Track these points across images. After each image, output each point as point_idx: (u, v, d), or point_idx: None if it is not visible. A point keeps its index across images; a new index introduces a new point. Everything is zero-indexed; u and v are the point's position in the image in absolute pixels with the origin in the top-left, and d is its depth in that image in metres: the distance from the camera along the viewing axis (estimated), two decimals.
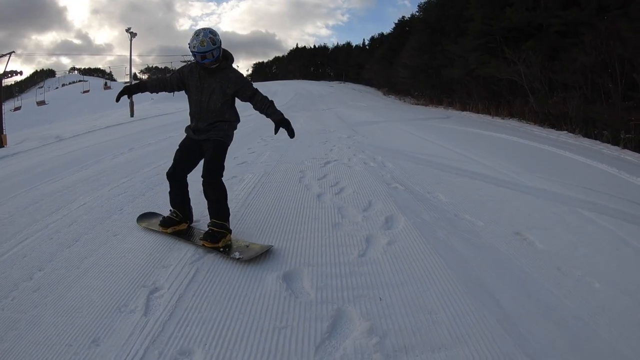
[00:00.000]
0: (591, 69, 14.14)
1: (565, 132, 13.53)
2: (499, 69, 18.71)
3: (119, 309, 2.49)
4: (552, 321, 2.25)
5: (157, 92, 3.84)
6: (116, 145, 10.27)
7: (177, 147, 3.68)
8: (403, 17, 47.70)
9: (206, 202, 3.49)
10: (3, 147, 18.49)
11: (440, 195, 4.53)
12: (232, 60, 3.61)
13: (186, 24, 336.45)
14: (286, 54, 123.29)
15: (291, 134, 3.53)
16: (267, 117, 3.56)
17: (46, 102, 51.12)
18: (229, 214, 3.48)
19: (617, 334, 2.20)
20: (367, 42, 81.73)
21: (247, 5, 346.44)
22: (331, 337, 2.13)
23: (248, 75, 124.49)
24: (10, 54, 23.75)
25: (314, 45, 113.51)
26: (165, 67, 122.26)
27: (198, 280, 2.82)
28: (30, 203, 5.00)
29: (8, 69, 23.67)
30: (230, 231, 3.41)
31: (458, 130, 12.34)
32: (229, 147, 3.59)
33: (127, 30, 31.69)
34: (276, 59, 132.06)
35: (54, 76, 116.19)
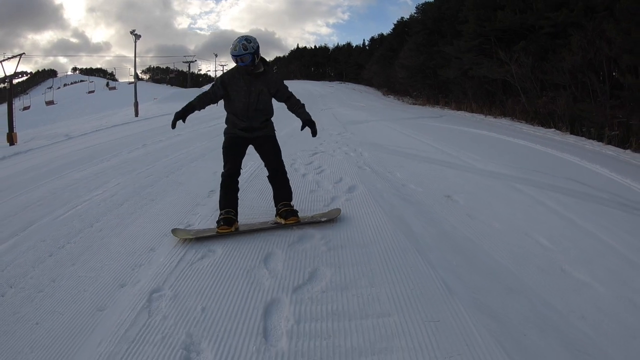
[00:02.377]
0: (579, 69, 14.80)
1: (553, 129, 14.33)
2: (492, 69, 19.52)
3: (165, 234, 4.03)
4: (447, 239, 3.62)
5: (203, 108, 4.20)
6: (129, 142, 11.75)
7: (226, 150, 4.14)
8: (402, 17, 48.41)
9: (273, 189, 4.24)
10: (14, 144, 19.90)
11: (397, 174, 5.94)
12: (269, 65, 4.22)
13: (185, 23, 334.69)
14: (287, 53, 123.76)
15: (314, 133, 4.13)
16: (297, 116, 4.12)
17: (55, 102, 52.30)
18: None
19: (500, 252, 3.38)
20: (367, 43, 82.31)
21: (246, 3, 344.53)
22: (300, 242, 3.64)
23: None
24: (20, 55, 25.11)
25: (315, 46, 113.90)
26: (167, 68, 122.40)
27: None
28: (66, 185, 6.59)
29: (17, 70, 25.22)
30: None
31: (443, 127, 13.58)
32: None
33: (132, 32, 32.84)
34: (277, 58, 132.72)
35: (56, 76, 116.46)
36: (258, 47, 3.86)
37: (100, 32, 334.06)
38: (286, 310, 2.63)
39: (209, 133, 12.89)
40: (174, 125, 4.06)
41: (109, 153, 10.07)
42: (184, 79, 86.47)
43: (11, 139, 21.28)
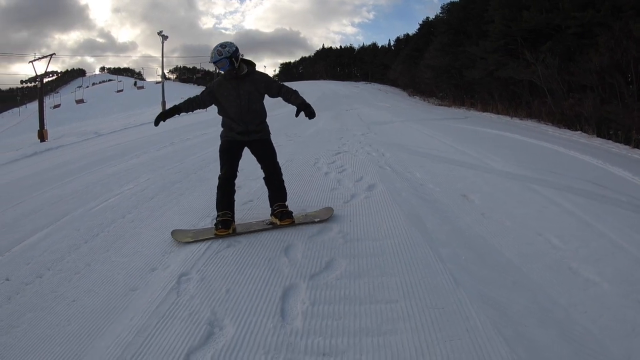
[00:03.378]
0: (606, 70, 14.72)
1: (579, 132, 14.20)
2: (517, 70, 19.42)
3: (195, 225, 4.40)
4: (460, 236, 3.79)
5: (191, 111, 4.36)
6: (157, 140, 12.20)
7: (222, 153, 4.24)
8: (427, 17, 48.17)
9: (269, 191, 4.34)
10: (44, 141, 20.63)
11: (417, 174, 6.11)
12: (255, 66, 4.23)
13: (209, 23, 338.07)
14: (312, 53, 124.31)
15: (310, 115, 4.09)
16: (292, 103, 4.15)
17: (85, 101, 53.65)
18: None
19: (510, 249, 3.50)
20: (392, 43, 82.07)
21: (271, 3, 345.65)
22: (319, 235, 3.88)
23: (275, 75, 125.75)
24: (51, 55, 25.96)
25: (340, 46, 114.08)
26: (194, 67, 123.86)
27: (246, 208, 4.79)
28: (97, 180, 7.02)
29: (47, 70, 26.07)
30: None
31: (467, 129, 13.60)
32: None
33: (159, 33, 33.57)
34: (303, 59, 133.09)
35: (85, 75, 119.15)
36: (235, 50, 3.95)
37: (126, 32, 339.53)
38: (302, 294, 2.87)
39: None
40: (156, 124, 4.28)
41: (138, 150, 10.53)
42: (211, 78, 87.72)
43: (42, 135, 22.17)
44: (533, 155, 8.44)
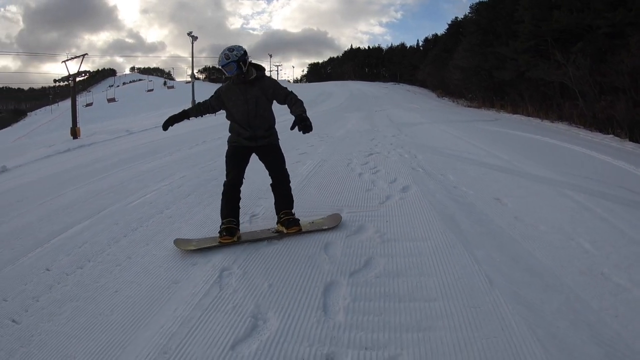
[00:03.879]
0: (638, 71, 14.42)
1: (611, 135, 13.86)
2: (548, 71, 18.94)
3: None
4: (493, 238, 3.84)
5: (201, 116, 4.37)
6: (189, 139, 12.48)
7: (228, 159, 4.15)
8: (456, 17, 47.52)
9: (275, 198, 4.21)
10: (77, 138, 21.23)
11: (450, 176, 6.16)
12: (264, 70, 4.09)
13: (237, 23, 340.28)
14: (340, 54, 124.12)
15: (305, 129, 3.77)
16: (291, 112, 3.87)
17: (116, 100, 54.68)
18: None
19: (543, 253, 3.52)
20: (421, 43, 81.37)
21: (298, 3, 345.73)
22: (357, 234, 3.99)
23: (303, 76, 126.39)
24: (84, 55, 26.58)
25: (368, 46, 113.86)
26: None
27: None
28: (133, 176, 7.33)
29: (80, 69, 26.74)
30: None
31: (497, 131, 13.46)
32: None
33: (189, 34, 34.05)
34: (331, 59, 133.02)
35: (115, 75, 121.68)
36: (243, 54, 3.84)
37: (154, 33, 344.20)
38: (343, 290, 2.98)
39: None
40: (165, 128, 4.27)
41: (171, 148, 10.80)
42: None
43: (75, 133, 22.83)
44: (565, 159, 8.36)
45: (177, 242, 4.05)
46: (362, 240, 3.86)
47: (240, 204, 4.12)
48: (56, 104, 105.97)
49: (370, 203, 4.96)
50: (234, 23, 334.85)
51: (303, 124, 3.74)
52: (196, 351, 2.47)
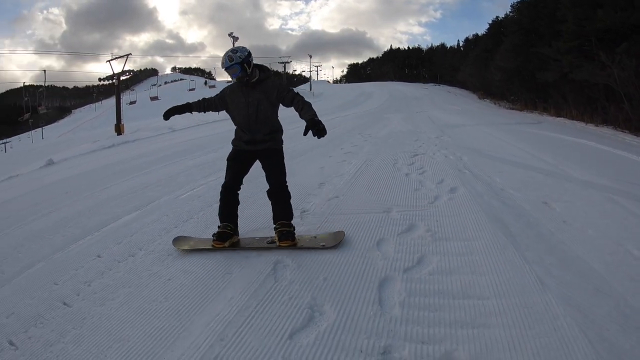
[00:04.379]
0: None
1: None
2: (592, 73, 18.36)
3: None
4: (542, 241, 3.82)
5: (203, 112, 4.19)
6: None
7: (228, 162, 4.04)
8: (497, 17, 46.50)
9: (272, 206, 3.94)
10: (121, 134, 21.96)
11: (496, 179, 6.11)
12: (269, 72, 3.87)
13: (276, 23, 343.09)
14: (380, 55, 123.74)
15: (319, 133, 3.56)
16: (300, 116, 3.69)
17: (159, 98, 55.90)
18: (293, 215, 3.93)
19: (592, 257, 3.46)
20: (461, 43, 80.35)
21: (336, 3, 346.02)
22: (408, 232, 4.05)
23: (342, 76, 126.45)
24: (127, 55, 27.46)
25: (408, 47, 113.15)
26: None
27: (333, 203, 4.98)
28: (180, 171, 7.61)
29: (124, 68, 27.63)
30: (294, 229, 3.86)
31: (541, 134, 13.26)
32: None
33: (230, 34, 34.43)
34: (370, 59, 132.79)
35: (157, 74, 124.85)
36: (247, 55, 3.68)
37: (194, 34, 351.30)
38: (398, 286, 3.04)
39: None
40: (166, 117, 4.14)
41: (215, 145, 11.05)
42: (279, 78, 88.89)
43: (119, 129, 23.64)
44: (611, 165, 8.17)
45: (176, 241, 4.06)
46: (414, 238, 3.91)
47: (238, 208, 4.03)
48: (100, 102, 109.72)
49: (420, 203, 5.00)
50: (273, 24, 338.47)
51: (316, 128, 3.54)
52: (253, 339, 2.52)
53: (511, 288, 2.95)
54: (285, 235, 3.74)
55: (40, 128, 64.40)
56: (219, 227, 3.91)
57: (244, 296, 3.02)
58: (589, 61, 18.96)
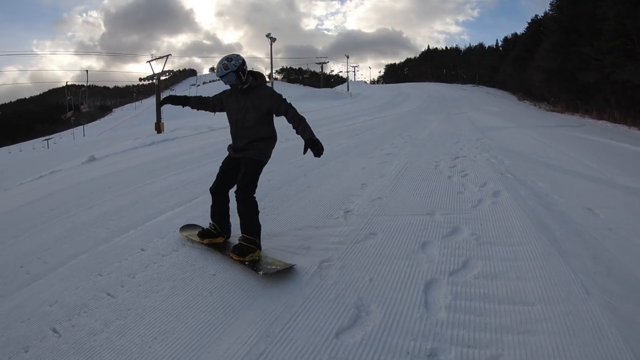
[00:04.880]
0: None
1: None
2: (636, 73, 17.85)
3: (330, 215, 4.74)
4: (587, 248, 3.75)
5: (197, 109, 4.17)
6: None
7: (220, 166, 4.03)
8: (536, 15, 45.25)
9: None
10: (161, 132, 22.50)
11: (539, 183, 6.00)
12: (262, 80, 3.82)
13: (312, 24, 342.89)
14: (417, 55, 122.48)
15: (317, 152, 3.61)
16: (297, 134, 3.70)
17: None
18: (259, 230, 3.72)
19: (638, 266, 3.40)
20: (500, 43, 78.61)
21: (372, 3, 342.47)
22: (452, 235, 4.05)
23: (380, 77, 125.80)
24: (167, 56, 28.05)
25: (446, 47, 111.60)
26: (300, 68, 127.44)
27: (377, 204, 4.96)
28: None
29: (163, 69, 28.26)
30: (259, 247, 3.65)
31: (583, 138, 12.95)
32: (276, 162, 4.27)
33: (267, 35, 34.81)
34: (408, 60, 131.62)
35: (196, 75, 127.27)
36: (242, 63, 3.66)
37: (230, 34, 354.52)
38: (444, 289, 3.06)
39: (348, 132, 13.60)
40: (161, 104, 4.24)
41: None
42: (317, 79, 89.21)
43: (159, 128, 24.26)
44: None
45: (183, 228, 4.33)
46: (458, 241, 3.90)
47: (229, 213, 4.01)
48: (139, 101, 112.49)
49: (463, 206, 4.96)
50: (309, 24, 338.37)
51: (315, 148, 3.59)
52: (300, 337, 2.57)
53: (556, 295, 2.93)
54: (238, 248, 3.61)
55: (82, 126, 66.77)
56: (209, 224, 4.01)
57: (291, 294, 3.07)
58: (632, 61, 18.38)
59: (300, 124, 3.65)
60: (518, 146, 10.04)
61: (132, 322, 2.87)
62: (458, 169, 6.99)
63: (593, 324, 2.59)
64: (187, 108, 4.25)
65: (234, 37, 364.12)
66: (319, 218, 4.68)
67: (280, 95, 3.77)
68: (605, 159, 8.78)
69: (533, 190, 5.66)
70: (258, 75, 3.81)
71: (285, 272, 3.33)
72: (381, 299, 2.95)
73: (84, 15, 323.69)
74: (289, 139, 11.91)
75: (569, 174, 6.86)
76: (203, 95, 4.16)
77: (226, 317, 2.84)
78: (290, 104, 3.74)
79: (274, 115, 3.85)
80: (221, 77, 3.68)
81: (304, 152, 3.65)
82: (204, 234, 3.98)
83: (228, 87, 3.81)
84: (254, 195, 3.77)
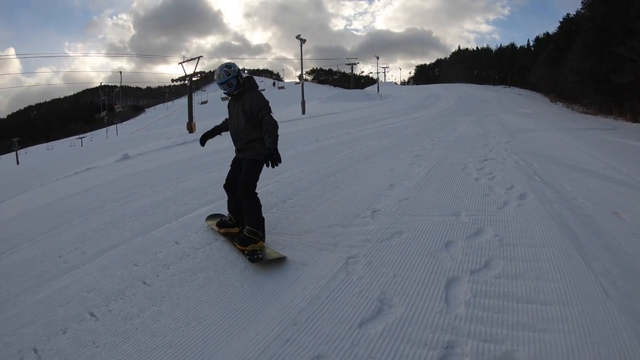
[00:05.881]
0: None
1: None
2: None
3: (356, 216, 4.81)
4: (609, 252, 3.73)
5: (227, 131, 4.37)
6: (302, 137, 13.09)
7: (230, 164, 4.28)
8: (568, 14, 43.68)
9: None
10: (192, 132, 22.97)
11: (567, 187, 5.97)
12: (251, 85, 4.03)
13: (340, 24, 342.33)
14: (448, 56, 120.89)
15: (272, 163, 3.69)
16: (264, 140, 3.82)
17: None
18: (262, 223, 3.98)
19: None
20: (531, 43, 76.75)
21: (400, 2, 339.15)
22: (476, 236, 4.12)
23: (410, 78, 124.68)
24: (199, 58, 28.59)
25: (477, 47, 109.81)
26: (330, 69, 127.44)
27: (404, 204, 5.10)
28: None
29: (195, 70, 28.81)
30: (262, 239, 3.92)
31: (615, 141, 12.66)
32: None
33: (298, 37, 34.90)
34: (438, 60, 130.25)
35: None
36: (239, 69, 3.97)
37: (258, 35, 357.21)
38: (465, 286, 3.16)
39: (378, 133, 13.74)
40: (202, 143, 4.50)
41: (285, 145, 11.23)
42: (347, 80, 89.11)
43: (191, 127, 24.76)
44: None
45: (209, 216, 4.73)
46: (482, 242, 3.97)
47: (237, 206, 4.20)
48: (171, 102, 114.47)
49: (489, 208, 4.99)
50: (337, 24, 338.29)
51: (271, 157, 3.68)
52: (324, 326, 2.74)
53: (574, 296, 2.98)
54: (241, 238, 3.91)
55: (115, 125, 68.66)
56: (227, 215, 4.35)
57: (317, 287, 3.24)
58: None
59: (268, 130, 3.77)
60: (547, 149, 9.92)
61: (166, 309, 3.11)
62: (486, 172, 6.99)
63: (609, 325, 2.64)
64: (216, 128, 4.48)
65: (262, 37, 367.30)
66: (347, 217, 4.80)
67: (264, 101, 3.92)
68: (637, 162, 8.60)
69: (560, 193, 5.64)
70: (246, 81, 4.03)
71: (276, 262, 3.60)
72: (403, 294, 3.08)
73: (114, 18, 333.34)
74: (319, 140, 12.18)
75: (598, 177, 6.76)
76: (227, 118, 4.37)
77: (256, 306, 3.04)
78: (268, 112, 3.88)
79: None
80: (223, 83, 3.93)
81: (264, 160, 3.77)
82: (221, 223, 4.34)
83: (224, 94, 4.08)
84: (255, 191, 4.01)
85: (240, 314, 2.96)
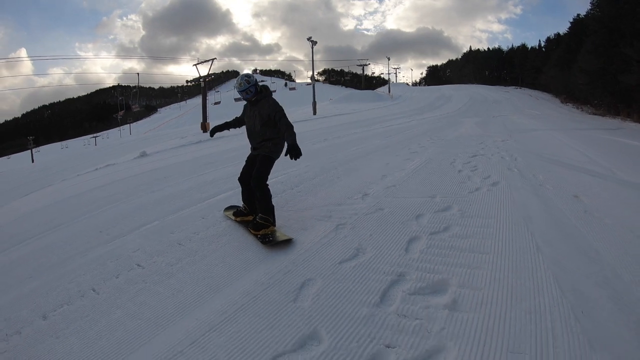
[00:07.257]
0: None
1: None
2: None
3: (350, 197, 5.86)
4: (555, 223, 4.56)
5: (238, 127, 5.21)
6: (311, 136, 13.98)
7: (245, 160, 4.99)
8: (578, 15, 44.30)
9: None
10: (206, 132, 23.78)
11: (540, 176, 6.78)
12: (267, 93, 4.78)
13: (350, 24, 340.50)
14: (459, 56, 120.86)
15: (294, 156, 4.34)
16: (284, 139, 4.61)
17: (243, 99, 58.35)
18: (273, 210, 4.63)
19: (603, 242, 3.99)
20: (542, 44, 76.72)
21: (411, 1, 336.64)
22: (443, 211, 5.09)
23: (422, 79, 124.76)
24: (213, 59, 29.33)
25: (488, 48, 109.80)
26: (341, 70, 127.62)
27: (391, 190, 5.96)
28: None
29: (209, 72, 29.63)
30: (273, 224, 4.59)
31: (612, 140, 13.28)
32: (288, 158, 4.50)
33: (309, 39, 35.45)
34: (450, 61, 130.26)
35: (237, 76, 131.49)
36: (256, 80, 4.68)
37: (268, 35, 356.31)
38: (423, 242, 4.21)
39: (384, 133, 14.69)
40: (212, 135, 5.34)
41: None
42: (359, 81, 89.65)
43: (204, 127, 25.60)
44: None
45: (226, 208, 5.48)
46: (446, 215, 4.95)
47: (250, 197, 4.90)
48: (184, 102, 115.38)
49: (462, 192, 5.92)
50: (347, 24, 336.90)
51: (292, 152, 4.33)
52: (314, 264, 3.85)
53: (509, 250, 3.92)
54: (254, 224, 4.59)
55: (128, 124, 69.96)
56: (242, 205, 5.11)
57: (313, 243, 4.33)
58: None
59: (287, 131, 4.50)
60: (539, 147, 10.63)
61: (199, 258, 4.20)
62: (471, 165, 7.88)
63: (531, 266, 3.58)
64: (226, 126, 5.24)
65: (271, 37, 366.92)
66: (342, 198, 5.80)
67: (279, 107, 4.69)
68: (622, 158, 9.26)
69: (530, 181, 6.49)
70: (262, 90, 4.79)
71: (285, 243, 4.36)
72: (375, 245, 4.18)
73: (124, 18, 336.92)
74: (327, 139, 13.04)
75: (576, 170, 7.49)
76: (237, 116, 5.20)
77: (265, 255, 4.14)
78: (284, 115, 4.64)
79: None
80: (243, 90, 4.68)
81: (285, 154, 4.48)
82: (237, 212, 5.10)
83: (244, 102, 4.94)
84: (267, 183, 4.71)
85: (255, 258, 4.08)
